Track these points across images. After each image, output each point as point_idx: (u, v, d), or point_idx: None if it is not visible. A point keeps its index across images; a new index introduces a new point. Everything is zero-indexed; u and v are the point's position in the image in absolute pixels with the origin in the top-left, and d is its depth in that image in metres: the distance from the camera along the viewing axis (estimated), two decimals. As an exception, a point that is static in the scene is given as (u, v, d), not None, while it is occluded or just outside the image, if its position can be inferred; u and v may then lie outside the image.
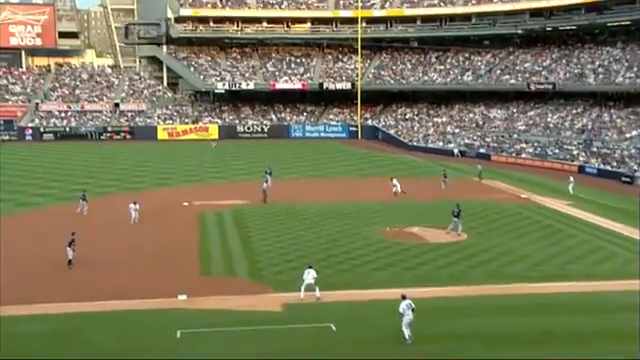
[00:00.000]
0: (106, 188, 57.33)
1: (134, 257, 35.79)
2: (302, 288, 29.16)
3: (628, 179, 62.07)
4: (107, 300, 28.91)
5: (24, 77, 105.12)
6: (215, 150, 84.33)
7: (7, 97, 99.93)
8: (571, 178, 56.94)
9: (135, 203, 44.09)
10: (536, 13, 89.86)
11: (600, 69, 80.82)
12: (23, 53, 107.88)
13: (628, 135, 71.10)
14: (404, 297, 25.08)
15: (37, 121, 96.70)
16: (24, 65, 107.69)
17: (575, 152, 71.47)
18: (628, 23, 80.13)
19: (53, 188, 57.13)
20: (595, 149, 70.40)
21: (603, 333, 25.96)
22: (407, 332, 24.46)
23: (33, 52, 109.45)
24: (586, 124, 76.86)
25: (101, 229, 42.18)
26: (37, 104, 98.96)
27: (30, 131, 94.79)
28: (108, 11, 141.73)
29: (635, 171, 62.95)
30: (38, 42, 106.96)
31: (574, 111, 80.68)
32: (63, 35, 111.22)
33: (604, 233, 42.27)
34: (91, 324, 26.71)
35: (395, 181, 54.44)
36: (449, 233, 40.81)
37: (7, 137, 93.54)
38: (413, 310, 24.56)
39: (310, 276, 29.24)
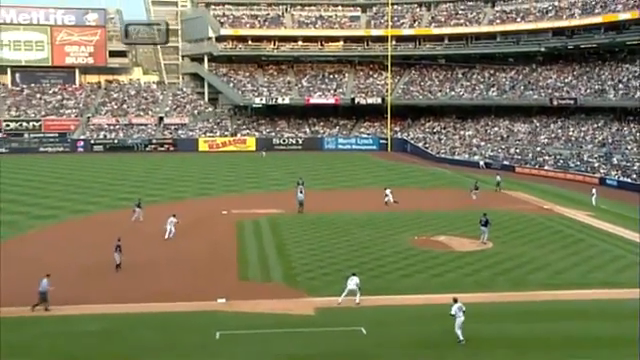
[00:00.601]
0: (152, 197, 57.81)
1: (177, 262, 36.07)
2: (344, 293, 29.11)
3: (648, 191, 61.25)
4: (152, 302, 29.23)
5: (77, 93, 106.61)
6: (252, 161, 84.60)
7: (62, 111, 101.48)
8: (594, 190, 56.11)
9: (174, 216, 41.98)
10: (558, 32, 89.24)
11: (620, 85, 79.95)
12: (77, 71, 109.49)
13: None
14: (455, 300, 25.43)
15: (88, 134, 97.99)
16: (77, 82, 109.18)
17: (596, 165, 70.69)
18: (646, 42, 79.49)
19: (103, 197, 57.82)
20: (615, 162, 69.57)
21: (623, 339, 25.62)
22: (460, 333, 24.65)
23: (86, 70, 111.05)
24: (606, 137, 76.01)
25: (146, 236, 42.55)
26: (88, 118, 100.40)
27: (82, 143, 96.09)
28: (161, 19, 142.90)
29: (655, 183, 62.14)
30: (90, 61, 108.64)
31: (595, 125, 79.84)
32: (113, 54, 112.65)
33: (624, 243, 41.69)
34: (137, 324, 27.06)
35: (388, 191, 53.87)
36: (485, 243, 40.46)
37: (61, 149, 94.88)
38: (464, 312, 24.83)
39: (353, 282, 29.24)
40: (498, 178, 63.08)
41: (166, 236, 41.17)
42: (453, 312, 24.95)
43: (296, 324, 26.97)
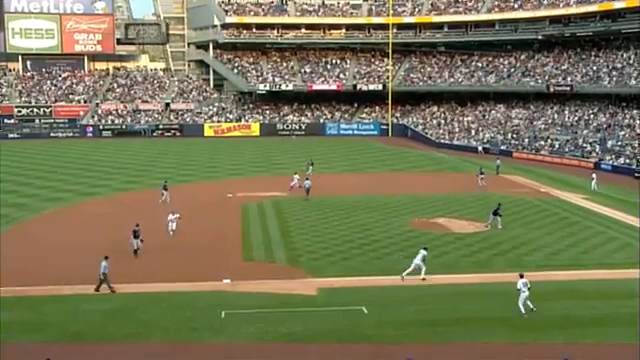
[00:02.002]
0: (159, 181, 57.64)
1: (184, 244, 36.05)
2: (409, 269, 29.49)
3: (641, 175, 61.25)
4: (160, 282, 29.24)
5: (86, 79, 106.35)
6: (257, 145, 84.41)
7: (71, 97, 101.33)
8: (594, 175, 55.72)
9: (174, 213, 38.71)
10: (555, 20, 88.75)
11: (614, 72, 79.62)
12: (85, 58, 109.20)
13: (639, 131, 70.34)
14: (522, 276, 26.35)
15: (97, 119, 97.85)
16: (86, 69, 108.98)
17: (591, 149, 70.53)
18: (640, 30, 79.17)
19: (111, 180, 57.84)
20: (610, 146, 69.41)
21: (616, 317, 25.66)
22: (522, 308, 25.60)
23: (94, 57, 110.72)
24: (601, 123, 75.80)
25: (153, 217, 42.45)
26: (97, 104, 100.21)
27: (91, 129, 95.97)
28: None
29: (648, 167, 62.05)
30: (99, 48, 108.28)
31: (590, 111, 79.62)
32: (121, 42, 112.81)
33: (618, 225, 41.68)
34: (146, 303, 27.09)
35: (296, 176, 51.98)
36: (487, 226, 40.23)
37: (71, 134, 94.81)
38: (529, 288, 25.73)
39: (420, 257, 29.92)
40: (498, 162, 62.99)
41: (170, 233, 38.03)
42: (519, 287, 25.85)
43: (299, 304, 26.97)
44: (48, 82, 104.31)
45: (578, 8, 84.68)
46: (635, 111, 74.55)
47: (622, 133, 71.36)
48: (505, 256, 34.22)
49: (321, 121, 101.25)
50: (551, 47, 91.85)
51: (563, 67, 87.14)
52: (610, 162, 66.03)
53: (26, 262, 32.33)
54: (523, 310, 25.59)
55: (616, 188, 54.90)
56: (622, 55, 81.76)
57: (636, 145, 67.08)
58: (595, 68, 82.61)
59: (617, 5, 78.99)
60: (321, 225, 40.72)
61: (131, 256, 33.34)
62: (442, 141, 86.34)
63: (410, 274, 29.49)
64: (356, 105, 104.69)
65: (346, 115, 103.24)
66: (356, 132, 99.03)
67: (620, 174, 62.25)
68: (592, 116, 78.46)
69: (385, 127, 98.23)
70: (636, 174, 61.34)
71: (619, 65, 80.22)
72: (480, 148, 79.80)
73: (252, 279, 29.91)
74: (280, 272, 31.33)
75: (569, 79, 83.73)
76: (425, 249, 30.54)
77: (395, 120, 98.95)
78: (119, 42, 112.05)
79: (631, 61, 79.42)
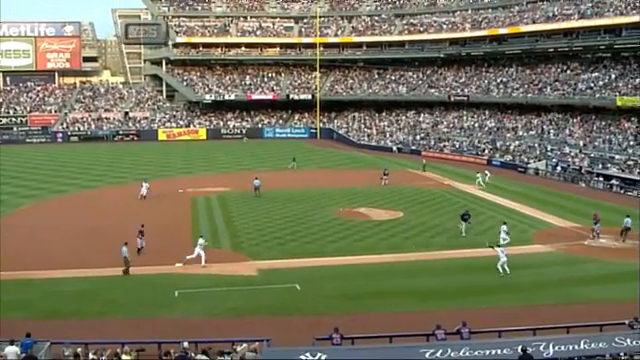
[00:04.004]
0: (120, 179, 56.57)
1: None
2: (502, 245, 30.50)
3: (522, 169, 62.92)
4: (122, 266, 28.58)
5: (56, 92, 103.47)
6: (203, 148, 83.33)
7: (44, 108, 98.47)
8: (487, 172, 55.46)
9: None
10: (454, 42, 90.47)
11: (501, 85, 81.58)
12: (56, 74, 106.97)
13: (521, 134, 72.24)
14: (498, 245, 29.16)
15: (65, 126, 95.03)
16: (57, 83, 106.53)
17: (484, 148, 72.21)
18: (520, 52, 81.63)
19: (78, 179, 56.11)
20: (498, 146, 71.18)
21: (503, 285, 26.41)
22: (502, 269, 27.44)
23: (63, 73, 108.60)
24: (492, 127, 77.61)
25: (115, 210, 41.64)
26: (66, 113, 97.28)
27: (60, 135, 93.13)
28: (121, 40, 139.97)
29: (527, 163, 63.82)
30: (67, 65, 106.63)
31: (483, 117, 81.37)
32: (86, 59, 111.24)
33: (506, 210, 42.82)
34: (110, 285, 26.55)
35: (144, 184, 46.04)
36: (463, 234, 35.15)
37: (44, 139, 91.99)
38: (506, 255, 27.83)
39: (503, 231, 32.34)
40: (424, 161, 63.09)
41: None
42: (498, 254, 27.94)
43: (241, 283, 26.83)
44: (24, 95, 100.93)
45: (472, 32, 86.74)
46: (518, 117, 76.67)
47: (508, 135, 73.30)
48: (415, 239, 34.70)
49: (260, 126, 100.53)
50: (451, 64, 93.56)
51: (461, 80, 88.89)
52: (499, 159, 67.68)
53: (6, 250, 31.01)
54: (508, 270, 27.36)
55: (504, 180, 56.26)
56: (507, 71, 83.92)
57: (518, 145, 69.06)
58: (486, 82, 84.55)
59: (502, 31, 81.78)
60: (260, 215, 40.51)
61: (94, 241, 32.53)
62: (362, 142, 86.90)
63: (503, 246, 30.26)
64: (289, 112, 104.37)
65: (281, 121, 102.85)
66: (290, 135, 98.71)
67: (507, 169, 63.92)
68: (484, 121, 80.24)
69: (314, 131, 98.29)
70: (519, 169, 63.11)
71: (505, 79, 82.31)
72: (395, 148, 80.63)
73: (201, 262, 29.55)
74: (225, 256, 31.02)
75: (466, 90, 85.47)
76: (505, 223, 33.48)
77: (322, 125, 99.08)
78: (85, 59, 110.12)
79: (514, 76, 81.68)
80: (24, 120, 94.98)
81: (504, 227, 32.96)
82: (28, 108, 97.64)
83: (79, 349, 17.20)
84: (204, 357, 16.90)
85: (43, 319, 22.46)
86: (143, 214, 39.27)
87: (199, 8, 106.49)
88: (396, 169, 60.01)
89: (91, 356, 17.03)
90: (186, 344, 17.29)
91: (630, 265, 29.16)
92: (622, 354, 15.84)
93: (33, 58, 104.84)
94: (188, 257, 29.01)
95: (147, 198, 43.83)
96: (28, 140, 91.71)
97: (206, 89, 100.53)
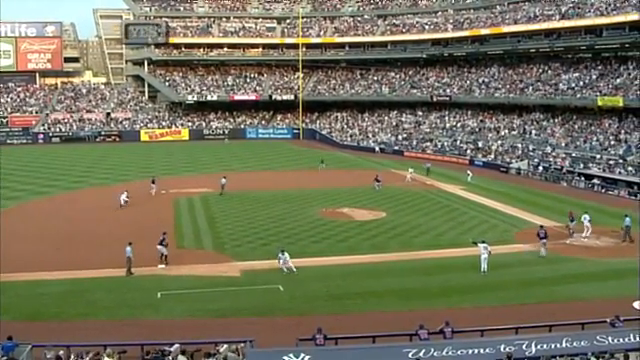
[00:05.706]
0: (102, 180, 56.04)
1: (124, 234, 34.78)
2: (587, 231, 32.90)
3: (504, 169, 63.30)
4: (104, 268, 28.41)
5: (37, 93, 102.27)
6: (186, 149, 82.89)
7: (25, 109, 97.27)
8: (469, 171, 56.49)
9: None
10: (436, 42, 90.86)
11: (483, 86, 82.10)
12: (37, 75, 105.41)
13: (503, 134, 72.69)
14: (483, 242, 28.60)
15: (47, 127, 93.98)
16: (38, 84, 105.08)
17: (466, 148, 72.58)
18: (502, 52, 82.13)
19: (60, 180, 55.52)
20: (480, 146, 71.60)
21: (486, 285, 26.54)
22: (484, 266, 27.70)
23: (45, 73, 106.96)
24: (474, 127, 78.07)
25: (97, 211, 41.27)
26: (47, 114, 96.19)
27: (42, 136, 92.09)
28: (102, 41, 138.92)
29: (509, 163, 64.24)
30: (49, 66, 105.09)
31: (465, 117, 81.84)
32: (67, 60, 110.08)
33: (488, 210, 43.11)
34: (93, 287, 26.28)
35: (124, 195, 43.64)
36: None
37: (25, 141, 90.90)
38: (489, 252, 28.02)
39: (587, 219, 34.07)
40: (428, 165, 61.49)
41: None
42: (481, 251, 27.94)
43: (225, 284, 26.71)
44: (5, 95, 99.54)
45: (454, 33, 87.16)
46: (500, 117, 77.18)
47: (490, 135, 73.74)
48: (398, 239, 34.77)
49: (242, 126, 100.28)
50: (433, 64, 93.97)
51: (444, 81, 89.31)
52: (481, 159, 68.09)
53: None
54: (486, 268, 27.59)
55: (485, 180, 56.54)
56: (489, 72, 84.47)
57: (500, 145, 69.50)
58: (468, 82, 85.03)
59: (483, 32, 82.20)
60: (243, 216, 40.37)
61: (77, 244, 32.21)
62: (345, 143, 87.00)
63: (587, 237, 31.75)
64: (272, 112, 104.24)
65: (263, 121, 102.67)
66: (272, 136, 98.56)
67: (489, 169, 64.29)
68: (467, 121, 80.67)
69: (297, 131, 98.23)
70: (500, 169, 63.51)
71: (487, 80, 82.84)
72: (377, 148, 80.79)
73: (184, 264, 29.40)
74: (208, 257, 30.90)
75: (448, 91, 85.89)
76: (587, 212, 34.75)
77: (305, 125, 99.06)
78: (66, 60, 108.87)
79: (495, 77, 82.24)
80: (5, 121, 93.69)
81: (586, 216, 34.74)
82: (9, 109, 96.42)
83: (61, 352, 17.10)
84: (183, 358, 16.90)
85: (24, 321, 22.18)
86: (125, 215, 39.01)
87: (181, 8, 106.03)
88: (380, 170, 60.00)
89: (73, 358, 16.89)
90: (176, 346, 17.32)
91: (612, 264, 29.51)
92: (604, 352, 15.98)
93: (14, 59, 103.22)
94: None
95: (129, 204, 43.01)
96: (9, 141, 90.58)
97: (188, 90, 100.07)
